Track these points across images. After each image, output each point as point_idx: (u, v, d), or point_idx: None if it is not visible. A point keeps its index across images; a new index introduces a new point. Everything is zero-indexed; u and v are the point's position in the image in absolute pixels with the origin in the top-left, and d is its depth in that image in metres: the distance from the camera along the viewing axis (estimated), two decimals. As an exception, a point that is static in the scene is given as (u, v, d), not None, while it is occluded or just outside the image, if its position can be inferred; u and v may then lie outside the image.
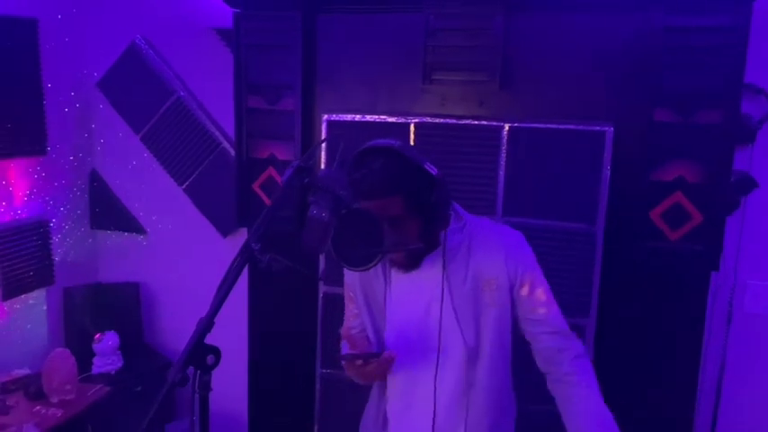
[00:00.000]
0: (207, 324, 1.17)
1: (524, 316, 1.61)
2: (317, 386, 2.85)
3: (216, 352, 1.19)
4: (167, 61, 3.47)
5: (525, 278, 1.58)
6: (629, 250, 2.44)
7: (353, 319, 1.79)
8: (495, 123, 2.50)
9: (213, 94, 3.39)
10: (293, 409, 3.03)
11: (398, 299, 1.66)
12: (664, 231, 2.40)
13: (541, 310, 1.59)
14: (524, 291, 1.59)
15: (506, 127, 2.49)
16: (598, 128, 2.39)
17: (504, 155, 2.50)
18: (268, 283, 2.93)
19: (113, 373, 3.34)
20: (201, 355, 1.17)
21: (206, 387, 1.20)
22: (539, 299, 1.59)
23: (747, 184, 2.70)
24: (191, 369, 1.17)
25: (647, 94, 2.35)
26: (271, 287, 2.94)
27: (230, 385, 3.56)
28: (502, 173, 2.51)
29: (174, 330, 3.75)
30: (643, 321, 2.49)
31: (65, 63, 3.46)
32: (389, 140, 1.50)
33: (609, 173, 2.39)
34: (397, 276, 1.65)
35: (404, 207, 1.47)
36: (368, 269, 1.47)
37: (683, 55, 2.29)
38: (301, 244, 1.34)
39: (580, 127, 2.41)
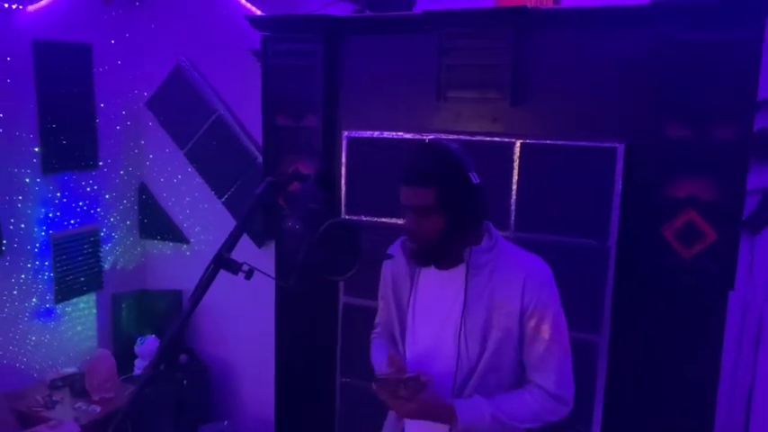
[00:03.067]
0: (181, 325, 1.28)
1: (524, 347, 1.63)
2: (338, 394, 2.94)
3: (190, 352, 1.29)
4: (209, 81, 3.69)
5: (536, 312, 1.58)
6: (642, 267, 2.41)
7: (384, 315, 1.87)
8: (507, 140, 2.54)
9: (250, 112, 3.56)
10: (316, 416, 3.12)
11: (421, 307, 1.71)
12: (677, 249, 2.36)
13: (538, 348, 1.60)
14: (531, 323, 1.59)
15: (518, 143, 2.52)
16: (609, 144, 2.39)
17: (516, 171, 2.53)
18: (293, 296, 3.05)
19: (153, 374, 3.54)
20: (175, 354, 1.28)
21: (179, 383, 1.31)
22: (541, 336, 1.59)
23: (775, 201, 2.62)
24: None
25: (659, 109, 2.33)
26: (296, 300, 3.05)
27: (260, 393, 3.72)
28: (514, 189, 2.54)
29: (213, 335, 3.92)
30: (658, 340, 2.45)
31: (116, 84, 3.74)
32: (450, 141, 1.60)
33: (620, 189, 2.38)
34: (423, 284, 1.70)
35: (435, 201, 1.52)
36: (346, 278, 1.56)
37: (694, 70, 2.26)
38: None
39: (591, 143, 2.42)
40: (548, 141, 2.48)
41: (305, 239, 1.44)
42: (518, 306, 1.58)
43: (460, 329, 1.61)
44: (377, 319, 1.93)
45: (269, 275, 1.39)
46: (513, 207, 2.55)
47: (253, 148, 3.63)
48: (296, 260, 1.46)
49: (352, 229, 1.53)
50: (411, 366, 1.67)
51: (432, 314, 1.69)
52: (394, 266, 1.76)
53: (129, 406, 1.24)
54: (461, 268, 1.62)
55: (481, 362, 1.62)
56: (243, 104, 3.62)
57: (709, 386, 2.43)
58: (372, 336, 1.95)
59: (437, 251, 1.60)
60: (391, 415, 1.85)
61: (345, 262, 1.51)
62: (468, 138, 2.60)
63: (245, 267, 1.33)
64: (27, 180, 3.31)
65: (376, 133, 2.74)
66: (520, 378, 1.66)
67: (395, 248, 1.77)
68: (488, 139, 2.57)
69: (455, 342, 1.62)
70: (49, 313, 3.46)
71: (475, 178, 1.54)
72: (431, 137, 2.64)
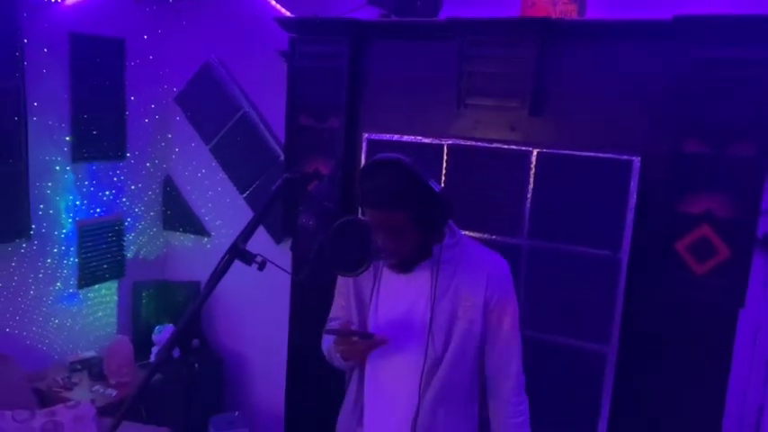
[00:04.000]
0: (195, 311, 1.34)
1: (488, 337, 1.73)
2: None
3: (201, 337, 1.35)
4: (236, 79, 3.78)
5: (499, 305, 1.70)
6: (654, 280, 2.42)
7: (340, 310, 1.92)
8: (524, 148, 2.57)
9: (275, 111, 3.64)
10: (326, 410, 3.17)
11: (384, 301, 1.78)
12: (689, 264, 2.36)
13: (502, 339, 1.71)
14: (494, 315, 1.70)
15: (535, 152, 2.55)
16: (625, 157, 2.41)
17: (532, 179, 2.57)
18: (307, 291, 3.10)
19: (169, 362, 3.62)
20: (188, 339, 1.34)
21: (191, 366, 1.37)
22: (503, 327, 1.71)
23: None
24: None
25: (676, 124, 2.34)
26: (310, 295, 3.10)
27: (272, 385, 3.78)
28: (529, 197, 2.57)
29: (228, 328, 4.00)
30: (666, 354, 2.46)
31: (147, 78, 3.84)
32: (397, 155, 1.62)
33: (635, 201, 2.40)
34: (386, 279, 1.77)
35: (406, 219, 1.60)
36: (357, 275, 1.61)
37: (714, 85, 2.27)
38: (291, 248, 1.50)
39: (607, 155, 2.44)
40: (564, 151, 2.51)
41: (318, 236, 1.49)
42: (482, 298, 1.69)
43: (430, 322, 1.68)
44: (331, 314, 1.96)
45: (281, 267, 1.44)
46: (527, 214, 2.58)
47: (276, 147, 3.70)
48: (309, 256, 1.52)
49: (363, 228, 1.57)
50: (375, 359, 1.76)
51: (396, 308, 1.75)
52: None
53: (141, 387, 1.29)
54: (427, 264, 1.70)
55: (446, 354, 1.70)
56: (268, 103, 3.70)
57: (716, 403, 2.43)
58: (325, 330, 1.95)
59: (415, 257, 1.70)
60: (347, 404, 1.92)
61: (356, 259, 1.56)
62: (485, 145, 2.65)
63: (259, 259, 1.39)
64: (57, 168, 3.42)
65: (395, 136, 2.79)
66: (477, 377, 1.76)
67: None
68: (506, 146, 2.61)
69: (423, 334, 1.70)
70: (71, 298, 3.56)
71: (436, 187, 1.60)
72: (449, 142, 2.69)
